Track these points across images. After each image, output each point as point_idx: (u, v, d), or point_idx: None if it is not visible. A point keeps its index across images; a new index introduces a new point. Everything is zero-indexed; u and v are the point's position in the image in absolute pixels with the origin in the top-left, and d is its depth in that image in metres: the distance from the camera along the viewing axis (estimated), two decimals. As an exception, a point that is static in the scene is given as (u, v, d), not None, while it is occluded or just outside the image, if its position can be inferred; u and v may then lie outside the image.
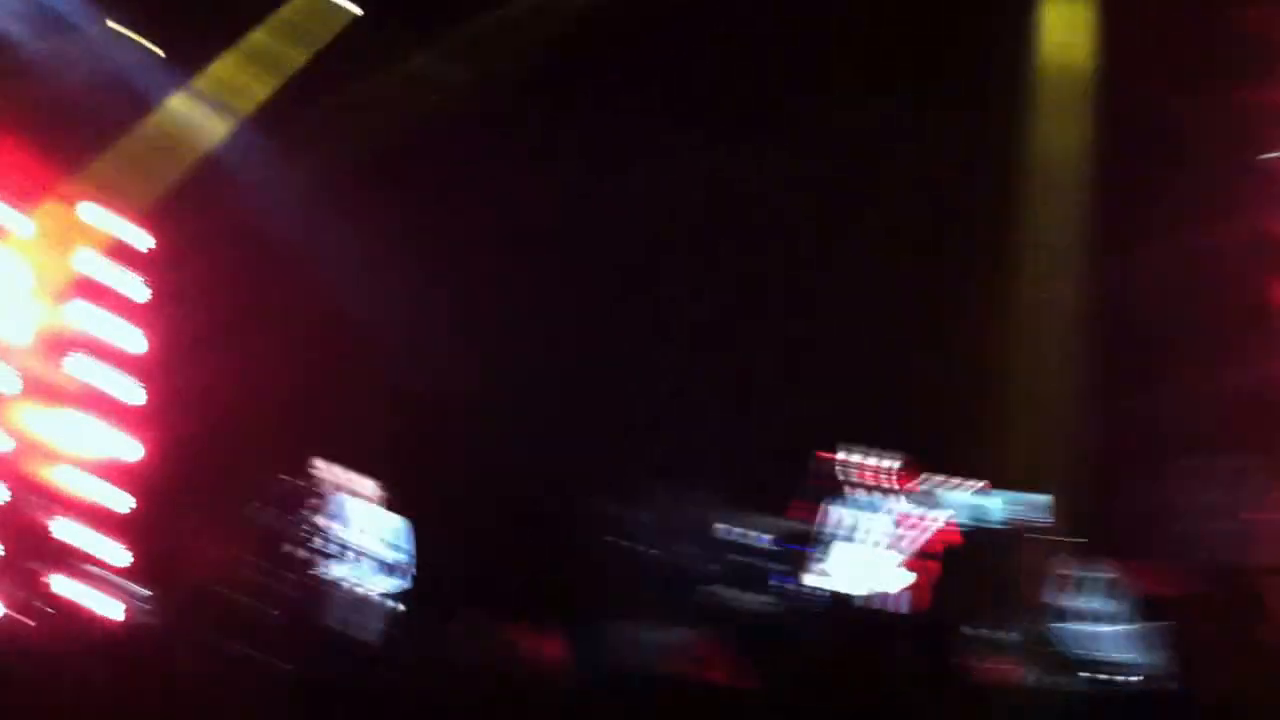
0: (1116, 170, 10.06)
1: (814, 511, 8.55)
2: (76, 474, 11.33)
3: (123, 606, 10.31)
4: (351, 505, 9.70)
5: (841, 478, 8.55)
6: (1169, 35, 9.63)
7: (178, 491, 11.10)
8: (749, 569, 9.23)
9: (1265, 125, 9.71)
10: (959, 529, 8.66)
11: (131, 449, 11.59)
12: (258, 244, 11.38)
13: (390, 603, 9.50)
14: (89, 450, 11.54)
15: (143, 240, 12.01)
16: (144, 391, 11.57)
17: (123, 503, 11.44)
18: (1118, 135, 10.04)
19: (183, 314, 11.50)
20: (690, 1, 10.61)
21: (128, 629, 9.93)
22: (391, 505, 9.79)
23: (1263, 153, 9.71)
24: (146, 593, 10.34)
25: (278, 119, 11.41)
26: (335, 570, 9.57)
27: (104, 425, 11.49)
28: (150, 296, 11.58)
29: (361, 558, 9.58)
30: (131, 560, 11.24)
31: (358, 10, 11.35)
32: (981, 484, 8.30)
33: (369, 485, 9.76)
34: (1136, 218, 9.88)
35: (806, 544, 8.69)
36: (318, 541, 9.61)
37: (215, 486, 10.69)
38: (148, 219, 11.72)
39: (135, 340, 11.66)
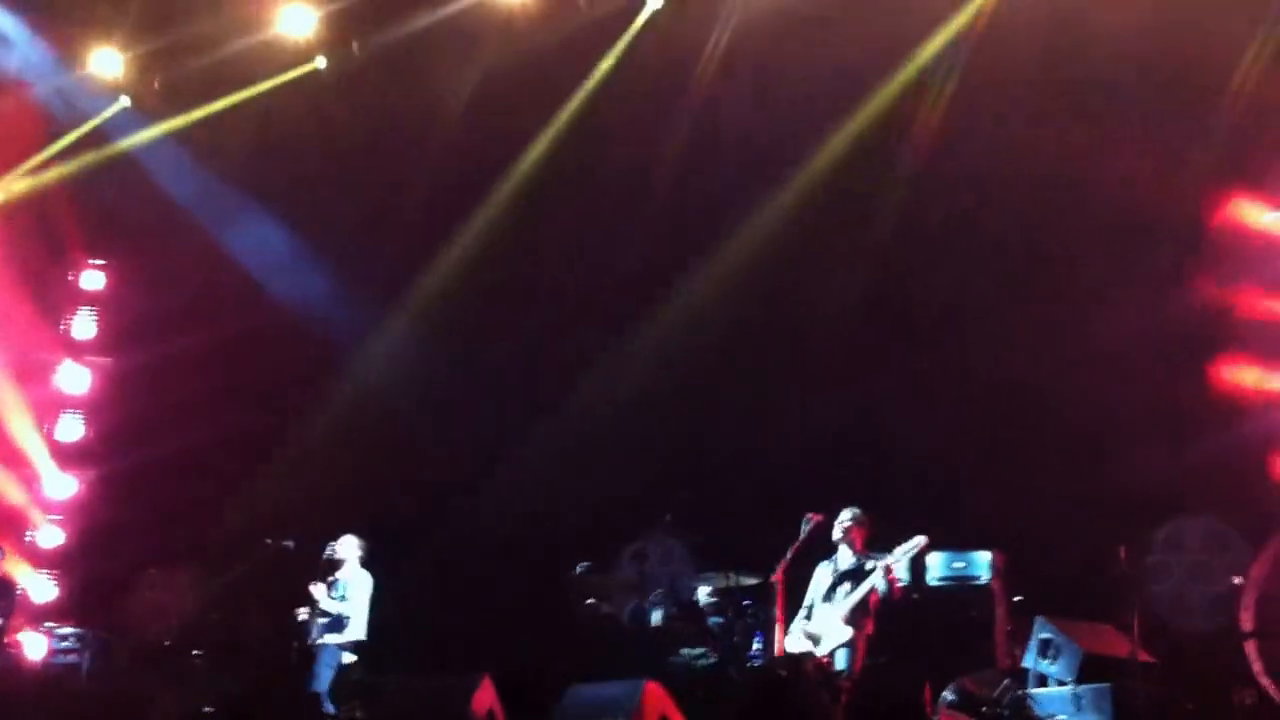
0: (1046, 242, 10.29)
1: (780, 570, 8.59)
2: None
3: (57, 647, 10.21)
4: (326, 571, 9.64)
5: (808, 536, 8.60)
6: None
7: (129, 537, 11.03)
8: (704, 626, 9.25)
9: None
10: (907, 586, 8.72)
11: (71, 487, 11.53)
12: (216, 284, 11.38)
13: (340, 655, 9.42)
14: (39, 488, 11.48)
15: (92, 279, 12.01)
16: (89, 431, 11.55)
17: (60, 539, 11.37)
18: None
19: (139, 361, 11.49)
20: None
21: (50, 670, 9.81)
22: (356, 559, 9.70)
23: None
24: (71, 632, 10.22)
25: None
26: (294, 625, 9.49)
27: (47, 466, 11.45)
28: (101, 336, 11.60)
29: (320, 613, 9.48)
30: (64, 598, 11.13)
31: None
32: (923, 540, 8.36)
33: (342, 544, 9.67)
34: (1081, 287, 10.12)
35: (769, 603, 8.72)
36: (286, 603, 9.56)
37: (184, 539, 10.61)
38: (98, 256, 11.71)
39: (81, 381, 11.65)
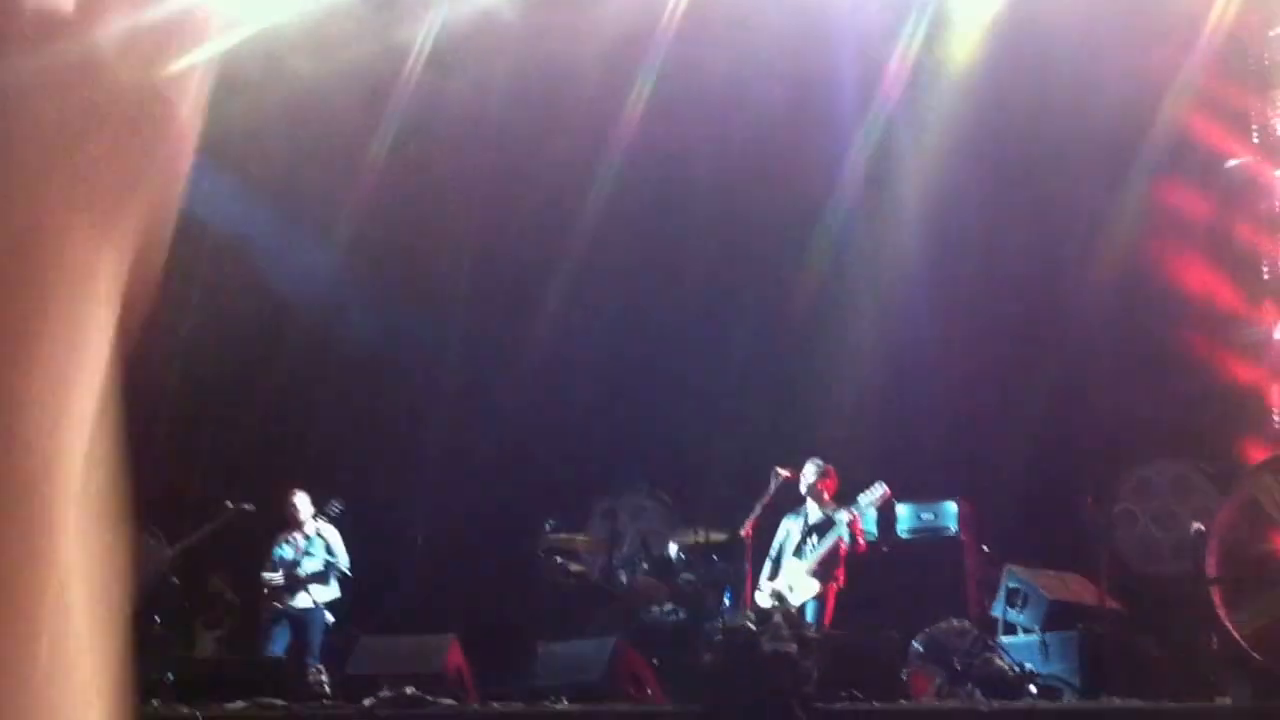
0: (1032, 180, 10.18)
1: (750, 525, 8.56)
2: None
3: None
4: (285, 530, 9.47)
5: (774, 490, 8.56)
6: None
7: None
8: (674, 583, 9.22)
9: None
10: (874, 539, 8.71)
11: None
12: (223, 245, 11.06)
13: (320, 614, 9.31)
14: None
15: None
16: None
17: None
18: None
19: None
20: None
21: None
22: (331, 515, 9.56)
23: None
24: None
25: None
26: (269, 585, 9.36)
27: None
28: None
29: (298, 572, 9.35)
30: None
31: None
32: (884, 489, 8.35)
33: (296, 500, 9.51)
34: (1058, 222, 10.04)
35: (739, 559, 8.70)
36: (255, 566, 9.42)
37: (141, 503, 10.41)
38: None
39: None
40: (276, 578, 9.37)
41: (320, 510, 9.57)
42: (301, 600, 9.34)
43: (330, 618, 9.38)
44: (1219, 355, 9.64)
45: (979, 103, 10.12)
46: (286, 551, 9.43)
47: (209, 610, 10.30)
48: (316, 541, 9.47)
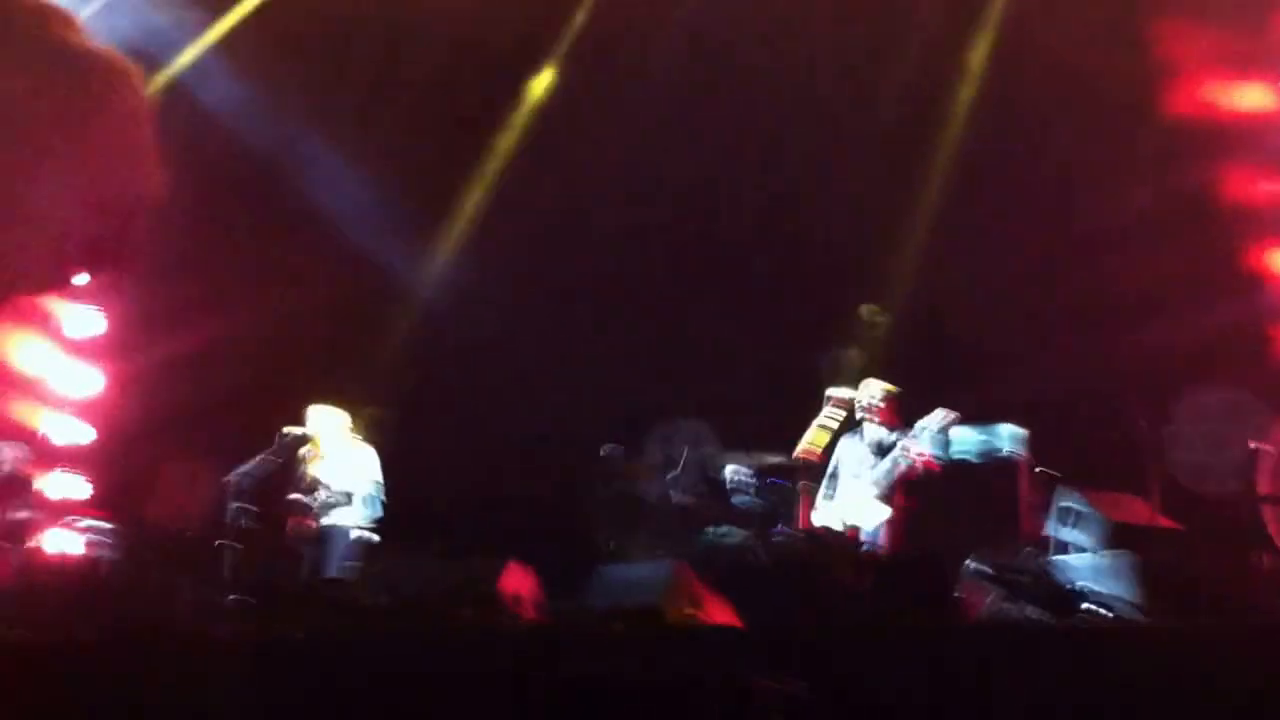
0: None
1: (810, 448, 8.60)
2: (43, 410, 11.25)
3: (82, 541, 10.26)
4: (329, 442, 9.54)
5: (834, 412, 8.61)
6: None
7: (150, 430, 11.02)
8: (740, 506, 9.29)
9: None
10: (935, 461, 8.75)
11: (98, 383, 11.47)
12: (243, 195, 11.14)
13: (365, 536, 9.42)
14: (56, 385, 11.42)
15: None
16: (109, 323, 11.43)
17: (86, 436, 11.34)
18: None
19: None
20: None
21: (87, 564, 9.89)
22: (376, 434, 9.62)
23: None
24: (107, 527, 10.26)
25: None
26: (314, 508, 9.44)
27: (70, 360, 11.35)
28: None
29: (339, 494, 9.43)
30: (93, 494, 11.15)
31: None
32: (954, 416, 8.38)
33: (311, 415, 9.49)
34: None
35: (798, 479, 8.77)
36: (301, 484, 9.51)
37: (193, 427, 10.60)
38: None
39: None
40: (303, 500, 9.38)
41: (360, 418, 9.53)
42: (328, 519, 9.35)
43: (369, 537, 9.39)
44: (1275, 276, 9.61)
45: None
46: (317, 470, 9.43)
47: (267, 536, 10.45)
48: (337, 461, 9.44)
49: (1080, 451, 8.95)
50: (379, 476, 9.49)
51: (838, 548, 7.69)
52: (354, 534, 9.34)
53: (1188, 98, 9.76)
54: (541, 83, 11.56)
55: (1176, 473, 8.68)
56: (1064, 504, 8.30)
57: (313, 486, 9.42)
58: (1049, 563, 7.94)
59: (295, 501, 9.44)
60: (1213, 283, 9.61)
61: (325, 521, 9.38)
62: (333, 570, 9.18)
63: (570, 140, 11.13)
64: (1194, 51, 9.66)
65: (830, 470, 8.73)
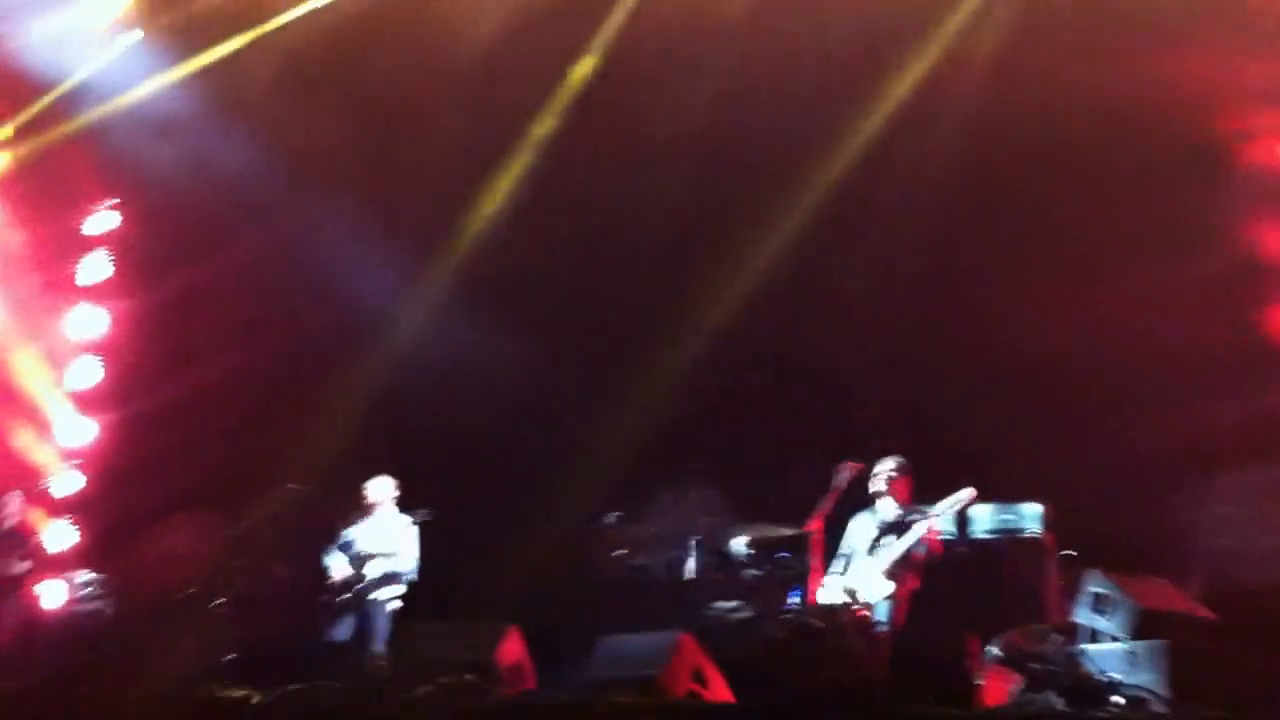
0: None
1: (817, 520, 8.28)
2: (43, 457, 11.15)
3: (78, 594, 10.07)
4: (357, 515, 9.33)
5: (844, 486, 8.28)
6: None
7: (150, 482, 10.86)
8: (742, 579, 8.98)
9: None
10: (949, 541, 8.37)
11: (95, 432, 11.35)
12: (254, 245, 11.06)
13: (383, 604, 9.15)
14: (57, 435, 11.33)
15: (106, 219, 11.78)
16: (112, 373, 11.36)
17: (83, 486, 11.21)
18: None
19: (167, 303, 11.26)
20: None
21: (82, 618, 9.72)
22: (400, 505, 9.41)
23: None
24: (92, 577, 10.06)
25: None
26: (331, 575, 9.20)
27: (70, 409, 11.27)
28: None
29: (360, 562, 9.20)
30: (83, 544, 10.97)
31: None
32: (972, 493, 8.02)
33: (381, 486, 9.33)
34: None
35: (804, 554, 8.44)
36: (318, 550, 9.29)
37: (206, 483, 10.41)
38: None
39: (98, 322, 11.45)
40: (341, 565, 9.20)
41: (406, 510, 9.37)
42: (378, 590, 9.15)
43: (396, 604, 9.18)
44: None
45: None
46: (355, 537, 9.26)
47: (269, 594, 10.20)
48: (387, 530, 9.28)
49: (1110, 532, 8.52)
50: (417, 551, 9.25)
51: (849, 625, 7.31)
52: (390, 606, 9.12)
53: (1244, 149, 9.40)
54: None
55: (1215, 557, 8.23)
56: (1096, 589, 7.87)
57: (361, 557, 9.17)
58: (1075, 650, 7.50)
59: (325, 565, 9.21)
60: (1259, 354, 9.18)
61: (369, 594, 9.11)
62: (379, 645, 8.95)
63: (570, 209, 10.98)
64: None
65: (841, 546, 8.36)
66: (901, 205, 10.36)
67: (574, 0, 10.76)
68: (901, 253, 10.30)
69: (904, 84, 10.49)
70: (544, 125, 11.19)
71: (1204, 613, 7.48)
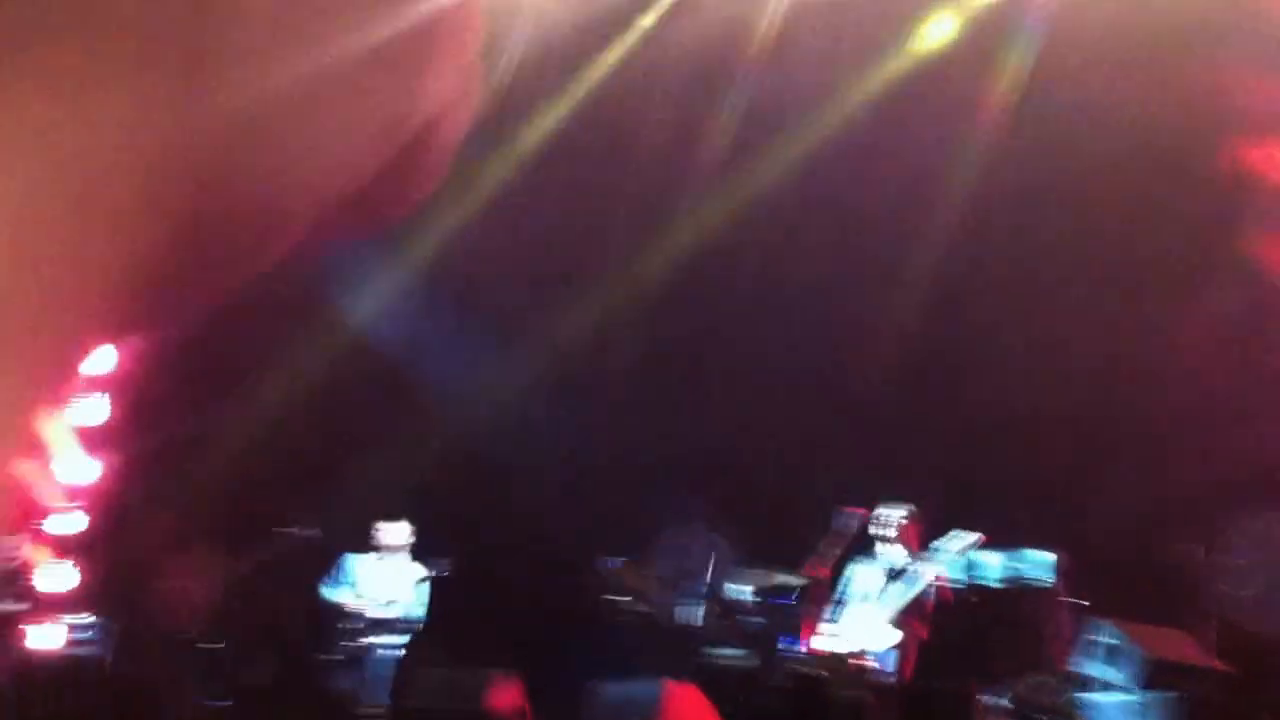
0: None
1: (819, 566, 8.10)
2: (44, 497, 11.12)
3: (75, 637, 9.99)
4: (360, 558, 9.23)
5: (848, 531, 8.10)
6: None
7: (153, 523, 10.81)
8: (744, 626, 8.78)
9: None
10: (955, 587, 8.16)
11: (94, 471, 11.32)
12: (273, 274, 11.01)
13: (386, 652, 9.02)
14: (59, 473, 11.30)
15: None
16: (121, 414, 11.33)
17: (82, 526, 11.15)
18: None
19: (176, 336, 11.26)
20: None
21: (79, 662, 9.62)
22: (407, 548, 9.28)
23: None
24: (91, 621, 10.01)
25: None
26: (334, 621, 9.10)
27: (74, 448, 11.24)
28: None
29: (363, 611, 9.08)
30: (87, 587, 10.89)
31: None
32: (978, 538, 7.82)
33: (392, 531, 9.22)
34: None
35: (806, 600, 8.25)
36: (322, 595, 9.18)
37: (192, 521, 10.37)
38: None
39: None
40: (345, 610, 9.06)
41: (424, 563, 9.26)
42: (380, 635, 9.03)
43: (399, 653, 9.07)
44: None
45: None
46: (362, 581, 9.13)
47: (270, 637, 10.11)
48: (400, 575, 9.15)
49: (1119, 580, 8.26)
50: (427, 602, 9.14)
51: (855, 675, 7.13)
52: (392, 655, 9.00)
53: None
54: None
55: (1229, 606, 7.95)
56: (1105, 639, 7.63)
57: (367, 603, 9.05)
58: (1079, 701, 7.26)
59: (325, 599, 9.08)
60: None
61: (375, 641, 8.99)
62: (380, 693, 8.79)
63: (568, 243, 10.90)
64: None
65: (838, 593, 8.17)
66: (912, 242, 10.23)
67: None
68: (911, 294, 10.16)
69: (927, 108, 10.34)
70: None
71: (1217, 664, 7.22)
